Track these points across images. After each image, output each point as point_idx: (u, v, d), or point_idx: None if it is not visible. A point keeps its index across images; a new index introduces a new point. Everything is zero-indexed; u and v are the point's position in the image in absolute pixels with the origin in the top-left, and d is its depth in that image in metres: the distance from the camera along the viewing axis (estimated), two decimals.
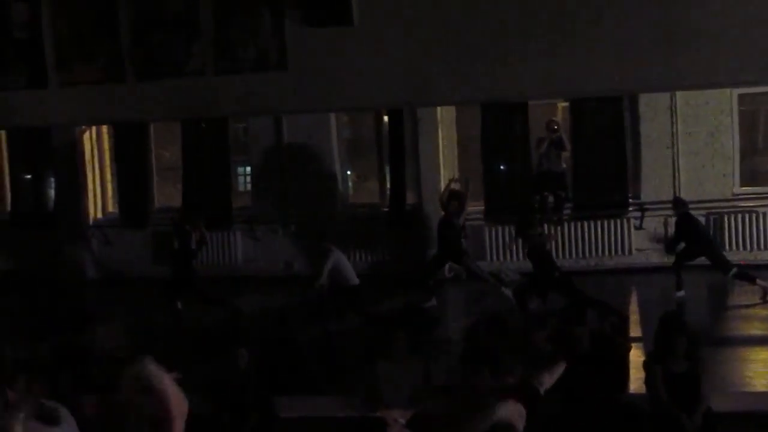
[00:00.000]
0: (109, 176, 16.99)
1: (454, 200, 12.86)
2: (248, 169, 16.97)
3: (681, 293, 12.05)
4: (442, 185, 14.82)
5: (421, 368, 7.54)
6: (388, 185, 15.64)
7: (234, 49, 7.61)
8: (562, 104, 15.21)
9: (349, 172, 16.61)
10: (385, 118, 15.55)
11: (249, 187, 17.11)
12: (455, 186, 13.22)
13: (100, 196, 16.88)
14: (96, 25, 7.84)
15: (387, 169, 15.74)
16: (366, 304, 12.05)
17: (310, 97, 7.94)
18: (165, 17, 7.73)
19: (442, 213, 13.04)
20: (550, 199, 14.90)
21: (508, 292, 12.25)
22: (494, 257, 15.03)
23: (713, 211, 14.46)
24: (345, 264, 12.22)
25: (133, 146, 16.26)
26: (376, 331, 10.88)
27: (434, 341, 10.86)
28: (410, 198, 15.46)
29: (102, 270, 16.28)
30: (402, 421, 7.15)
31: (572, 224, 14.80)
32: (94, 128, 16.27)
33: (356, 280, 12.11)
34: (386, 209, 15.51)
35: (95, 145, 16.73)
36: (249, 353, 7.80)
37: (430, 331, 11.41)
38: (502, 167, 15.29)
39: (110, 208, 17.02)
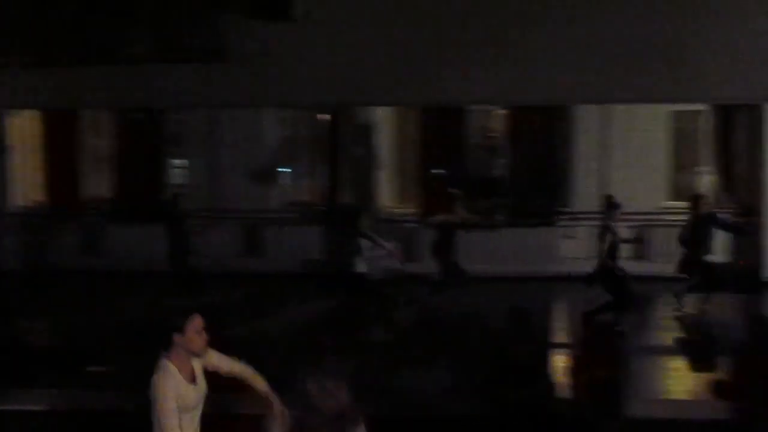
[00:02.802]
0: (37, 164, 16.61)
1: None
2: (183, 162, 16.75)
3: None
4: (377, 185, 14.92)
5: (349, 370, 7.51)
6: (325, 184, 15.61)
7: (172, 40, 7.53)
8: (502, 111, 15.34)
9: (287, 170, 16.52)
10: (324, 116, 15.50)
11: (183, 180, 16.90)
12: None
13: (26, 185, 16.51)
14: (27, 7, 7.68)
15: (324, 168, 15.71)
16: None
17: (247, 93, 7.90)
18: (101, 3, 7.61)
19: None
20: (486, 204, 15.04)
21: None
22: (429, 260, 15.09)
23: (641, 223, 14.75)
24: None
25: (62, 135, 15.92)
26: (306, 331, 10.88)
27: (362, 343, 10.86)
28: (346, 197, 15.46)
29: (25, 260, 15.88)
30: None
31: (505, 230, 14.97)
32: (22, 114, 15.89)
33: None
34: (322, 208, 15.47)
35: (22, 132, 16.34)
36: None
37: (357, 332, 11.40)
38: (439, 171, 15.36)
39: (38, 197, 16.64)
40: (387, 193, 15.64)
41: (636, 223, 14.77)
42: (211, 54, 7.62)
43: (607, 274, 11.03)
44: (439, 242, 12.46)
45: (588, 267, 13.55)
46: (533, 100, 8.65)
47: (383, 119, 15.27)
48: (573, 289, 13.67)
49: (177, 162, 16.87)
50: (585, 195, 14.95)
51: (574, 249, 14.90)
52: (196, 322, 4.77)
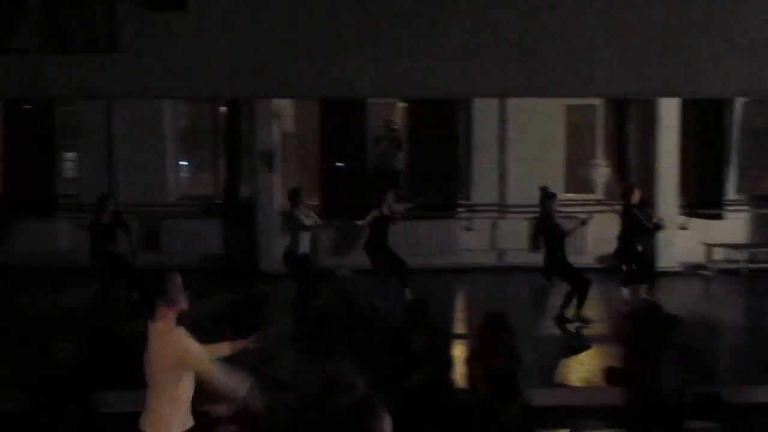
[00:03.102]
0: None
1: None
2: (76, 154, 16.29)
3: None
4: (277, 179, 14.82)
5: (254, 363, 7.44)
6: (223, 177, 15.40)
7: (63, 28, 7.29)
8: (402, 104, 15.42)
9: (184, 163, 16.27)
10: (223, 108, 15.32)
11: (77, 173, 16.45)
12: None
13: None
14: None
15: (222, 161, 15.51)
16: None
17: (141, 83, 7.71)
18: None
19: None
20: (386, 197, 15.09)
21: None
22: (328, 253, 15.11)
23: (537, 216, 15.02)
24: None
25: None
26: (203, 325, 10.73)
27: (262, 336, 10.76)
28: (245, 191, 15.32)
29: None
30: (227, 415, 7.06)
31: (405, 223, 15.04)
32: None
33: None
34: (220, 201, 15.28)
35: None
36: (70, 347, 7.52)
37: (257, 325, 11.31)
38: (339, 164, 15.34)
39: None
40: (286, 187, 15.51)
41: (533, 215, 15.08)
42: (105, 44, 7.40)
43: (558, 264, 11.19)
44: (375, 236, 12.41)
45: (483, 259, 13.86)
46: (430, 93, 8.68)
47: (282, 111, 15.15)
48: (471, 281, 13.90)
49: (70, 155, 16.42)
50: (484, 188, 15.18)
51: (473, 241, 15.13)
52: (175, 281, 4.69)
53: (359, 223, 12.38)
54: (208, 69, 7.48)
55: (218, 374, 4.99)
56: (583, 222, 11.75)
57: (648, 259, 12.46)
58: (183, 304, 4.75)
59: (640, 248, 12.14)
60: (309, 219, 11.43)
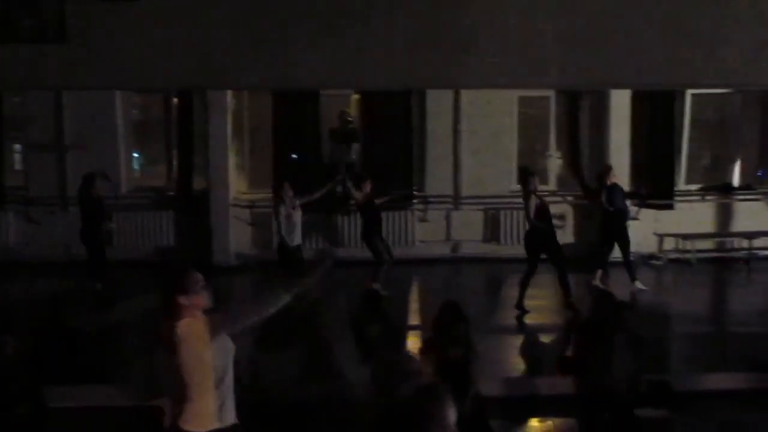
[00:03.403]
0: None
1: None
2: (24, 146, 16.04)
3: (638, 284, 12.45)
4: (230, 170, 14.73)
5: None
6: (176, 169, 15.27)
7: (9, 18, 7.15)
8: (356, 96, 15.40)
9: (136, 155, 16.09)
10: (175, 100, 15.17)
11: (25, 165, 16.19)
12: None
13: None
14: None
15: (175, 153, 15.36)
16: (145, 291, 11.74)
17: (90, 74, 7.60)
18: None
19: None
20: (339, 188, 15.08)
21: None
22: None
23: (491, 206, 15.15)
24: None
25: None
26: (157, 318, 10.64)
27: None
28: (198, 183, 15.20)
29: None
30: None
31: (358, 214, 15.05)
32: None
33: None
34: (172, 193, 15.14)
35: None
36: (17, 341, 7.38)
37: None
38: (292, 156, 15.27)
39: None
40: (240, 178, 15.45)
41: (487, 206, 15.18)
42: (54, 35, 7.28)
43: (540, 236, 11.20)
44: (368, 225, 12.48)
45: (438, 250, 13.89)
46: (383, 84, 8.68)
47: (236, 103, 15.06)
48: (426, 272, 13.93)
49: (17, 146, 16.18)
50: (438, 179, 15.22)
51: (427, 232, 15.17)
52: (196, 278, 4.62)
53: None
54: (158, 60, 7.39)
55: (256, 308, 4.92)
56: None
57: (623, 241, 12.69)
58: (205, 301, 4.66)
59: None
60: (297, 210, 11.40)
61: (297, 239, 11.46)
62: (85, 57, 7.38)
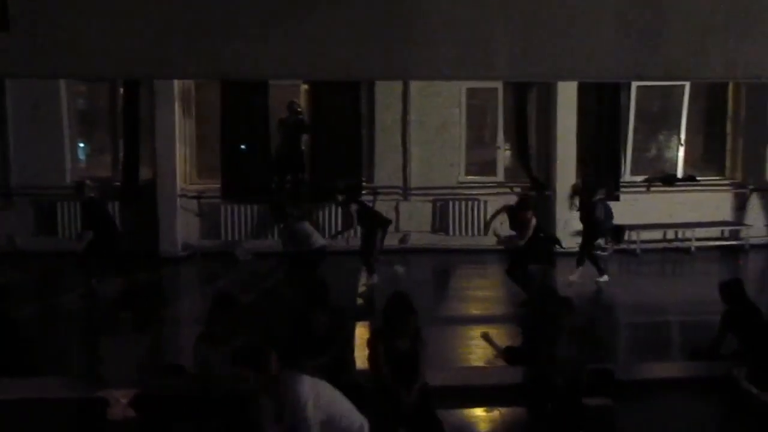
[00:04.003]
0: None
1: None
2: None
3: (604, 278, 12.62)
4: (178, 160, 14.60)
5: (146, 347, 7.34)
6: (122, 159, 15.06)
7: None
8: (305, 87, 15.33)
9: (82, 144, 15.85)
10: (121, 89, 14.96)
11: None
12: None
13: None
14: None
15: (121, 143, 15.15)
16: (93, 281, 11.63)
17: (35, 62, 7.46)
18: None
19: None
20: (288, 179, 15.04)
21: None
22: (229, 236, 14.97)
23: (440, 198, 15.22)
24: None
25: None
26: (100, 308, 10.55)
27: (161, 320, 10.69)
28: (145, 173, 15.03)
29: None
30: (125, 401, 6.96)
31: (309, 205, 15.03)
32: None
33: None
34: (118, 184, 14.94)
35: None
36: None
37: (156, 309, 11.19)
38: (241, 146, 15.17)
39: None
40: (188, 169, 15.30)
41: (435, 197, 15.24)
42: None
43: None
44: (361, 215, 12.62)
45: (387, 241, 13.85)
46: (334, 74, 8.64)
47: (183, 92, 14.91)
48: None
49: None
50: (387, 170, 15.24)
51: None
52: (275, 358, 5.27)
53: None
54: (103, 49, 7.28)
55: None
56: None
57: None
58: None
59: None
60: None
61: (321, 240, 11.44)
62: (29, 45, 7.24)
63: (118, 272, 11.86)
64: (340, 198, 12.85)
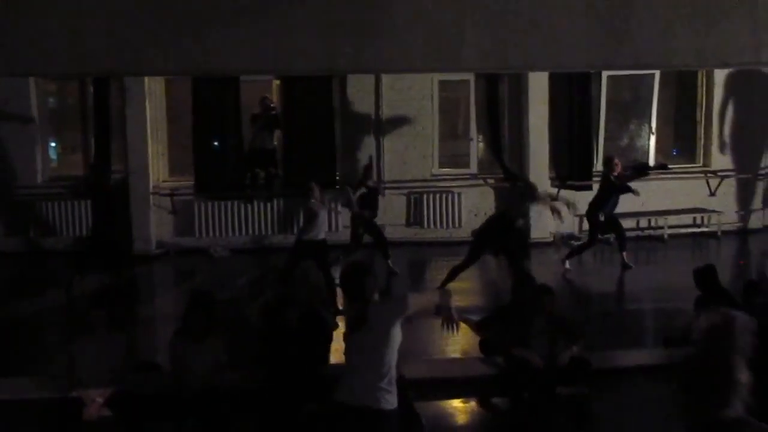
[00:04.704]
0: None
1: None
2: None
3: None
4: (150, 157, 14.52)
5: (121, 346, 7.30)
6: (93, 157, 14.95)
7: None
8: (277, 82, 15.28)
9: (53, 144, 15.72)
10: (92, 87, 14.84)
11: None
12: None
13: None
14: None
15: (92, 141, 15.04)
16: (69, 279, 11.55)
17: (2, 61, 7.39)
18: None
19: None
20: (261, 175, 15.00)
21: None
22: (203, 233, 14.91)
23: (414, 190, 15.24)
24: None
25: None
26: (75, 308, 10.48)
27: (136, 318, 10.65)
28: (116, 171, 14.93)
29: None
30: (101, 400, 6.92)
31: (281, 201, 15.01)
32: None
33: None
34: (90, 181, 14.81)
35: None
36: None
37: (131, 307, 11.15)
38: (213, 143, 15.10)
39: None
40: (160, 166, 15.22)
41: (410, 190, 15.26)
42: None
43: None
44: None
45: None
46: (305, 69, 8.62)
47: (154, 88, 14.81)
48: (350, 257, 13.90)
49: None
50: (360, 164, 15.22)
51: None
52: None
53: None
54: (71, 46, 7.21)
55: None
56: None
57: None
58: None
59: (602, 217, 12.87)
60: (323, 206, 11.41)
61: (321, 234, 11.38)
62: None
63: (92, 270, 11.77)
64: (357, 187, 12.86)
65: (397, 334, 5.05)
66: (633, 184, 12.84)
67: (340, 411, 5.09)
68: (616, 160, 12.95)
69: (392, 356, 5.08)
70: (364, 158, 14.91)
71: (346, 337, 5.28)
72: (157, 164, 15.06)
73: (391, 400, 5.08)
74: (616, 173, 12.74)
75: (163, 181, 15.21)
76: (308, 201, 11.31)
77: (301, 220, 12.66)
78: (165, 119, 15.20)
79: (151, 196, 14.78)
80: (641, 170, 15.00)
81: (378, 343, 5.00)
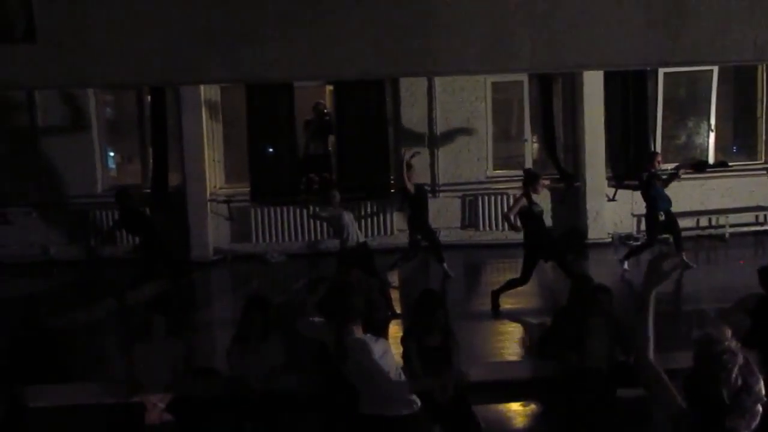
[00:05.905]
0: None
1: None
2: None
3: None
4: (207, 166, 14.68)
5: (180, 351, 7.39)
6: (151, 166, 15.17)
7: None
8: (330, 87, 15.35)
9: (111, 153, 15.99)
10: (148, 97, 15.07)
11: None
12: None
13: None
14: None
15: (150, 150, 15.27)
16: (126, 287, 11.73)
17: (62, 72, 7.53)
18: None
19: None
20: (316, 180, 15.06)
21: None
22: (260, 239, 15.02)
23: (468, 193, 15.17)
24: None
25: None
26: (134, 315, 10.64)
27: (194, 324, 10.77)
28: (174, 179, 15.13)
29: None
30: (162, 405, 7.01)
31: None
32: None
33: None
34: (148, 190, 15.05)
35: None
36: None
37: (189, 313, 11.27)
38: (268, 149, 15.22)
39: None
40: (216, 173, 15.37)
41: (464, 193, 15.20)
42: (23, 34, 7.21)
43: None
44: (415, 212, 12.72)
45: None
46: (358, 74, 8.65)
47: (210, 97, 14.98)
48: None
49: None
50: (415, 168, 15.18)
51: (405, 221, 15.15)
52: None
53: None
54: (128, 57, 7.33)
55: None
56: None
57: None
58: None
59: (662, 217, 12.69)
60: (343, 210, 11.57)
61: (358, 238, 11.44)
62: (55, 55, 7.32)
63: (151, 277, 11.95)
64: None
65: (385, 356, 5.15)
66: (689, 182, 12.60)
67: (363, 422, 5.15)
68: (659, 158, 12.80)
69: (391, 366, 5.12)
70: (419, 161, 14.92)
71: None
72: (213, 171, 15.22)
73: (408, 404, 5.10)
74: (653, 169, 12.52)
75: (220, 188, 15.37)
76: (326, 209, 11.44)
77: (330, 231, 12.72)
78: (221, 127, 15.35)
79: (208, 203, 14.94)
80: (700, 167, 14.75)
81: (371, 369, 5.07)
